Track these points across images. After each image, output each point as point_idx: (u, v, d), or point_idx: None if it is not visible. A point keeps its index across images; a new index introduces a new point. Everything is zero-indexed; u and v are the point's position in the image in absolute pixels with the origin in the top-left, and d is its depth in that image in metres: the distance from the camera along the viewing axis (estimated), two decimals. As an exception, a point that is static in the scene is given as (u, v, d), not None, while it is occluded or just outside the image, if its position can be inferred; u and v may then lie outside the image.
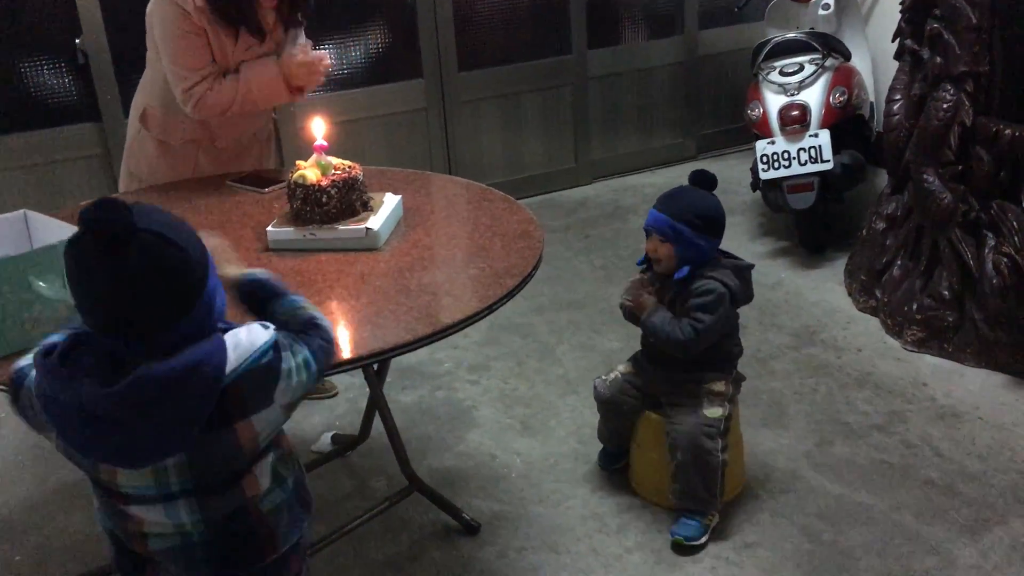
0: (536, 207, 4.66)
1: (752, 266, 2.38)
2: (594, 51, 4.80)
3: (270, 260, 2.04)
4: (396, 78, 4.44)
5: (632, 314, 2.37)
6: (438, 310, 1.78)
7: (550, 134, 4.83)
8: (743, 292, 2.33)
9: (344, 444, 2.74)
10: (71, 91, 3.83)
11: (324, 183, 2.07)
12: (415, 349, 1.69)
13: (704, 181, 2.31)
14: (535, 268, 1.95)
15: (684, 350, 2.23)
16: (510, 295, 1.85)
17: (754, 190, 4.04)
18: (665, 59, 5.01)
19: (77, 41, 3.74)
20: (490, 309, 1.80)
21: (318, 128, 2.13)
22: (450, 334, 1.73)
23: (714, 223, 2.27)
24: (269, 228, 2.10)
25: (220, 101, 2.46)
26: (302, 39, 2.64)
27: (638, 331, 2.52)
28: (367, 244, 2.07)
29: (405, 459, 2.51)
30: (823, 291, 3.59)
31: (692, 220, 2.25)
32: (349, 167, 2.14)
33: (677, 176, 5.00)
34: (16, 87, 3.74)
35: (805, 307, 3.48)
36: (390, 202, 2.21)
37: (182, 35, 2.39)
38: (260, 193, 2.48)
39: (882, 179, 4.04)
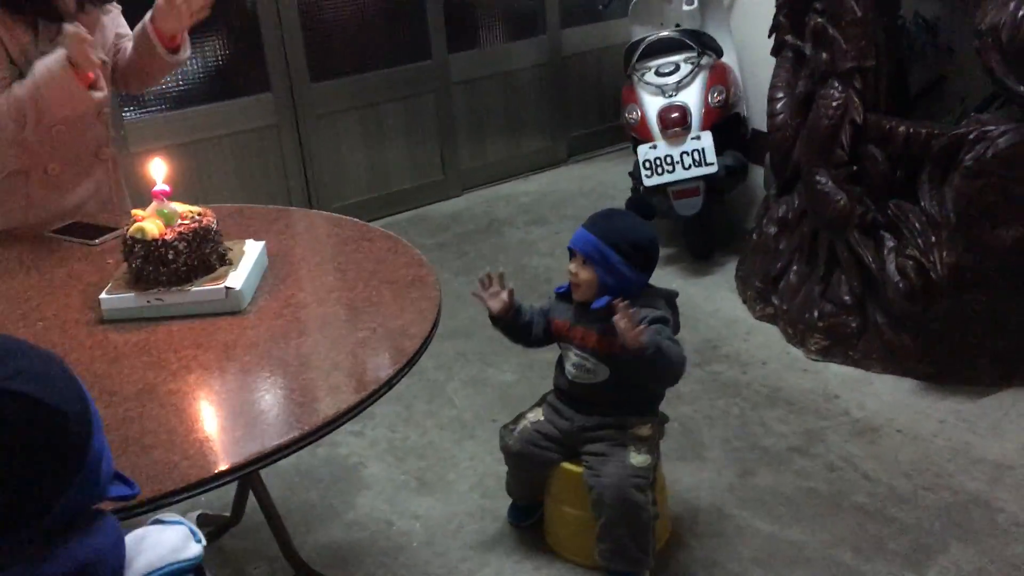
0: (405, 224, 4.35)
1: (677, 293, 2.16)
2: (455, 55, 4.53)
3: (106, 335, 1.65)
4: (241, 93, 4.03)
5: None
6: (326, 390, 1.46)
7: (415, 145, 4.52)
8: (675, 323, 2.11)
9: (215, 525, 2.36)
10: None
11: (169, 236, 1.70)
12: (304, 447, 1.36)
13: (641, 208, 2.08)
14: (435, 324, 1.65)
15: (683, 372, 2.01)
16: (411, 362, 1.54)
17: (634, 194, 3.86)
18: (528, 60, 4.79)
19: None
20: (389, 384, 1.49)
21: (158, 170, 1.75)
22: (346, 421, 1.41)
23: (647, 256, 2.03)
24: (103, 295, 1.71)
25: (11, 107, 2.00)
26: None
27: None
28: (228, 307, 1.71)
29: (287, 540, 2.18)
30: (717, 300, 3.44)
31: (623, 246, 2.00)
32: (199, 215, 1.78)
33: (549, 182, 4.80)
34: None
35: (702, 318, 3.32)
36: (252, 251, 1.85)
37: None
38: (89, 245, 2.06)
39: (757, 176, 3.94)
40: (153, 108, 3.86)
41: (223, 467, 1.27)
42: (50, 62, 2.00)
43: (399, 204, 4.50)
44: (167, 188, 1.74)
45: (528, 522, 2.34)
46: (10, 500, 0.84)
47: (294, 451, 1.34)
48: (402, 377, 1.52)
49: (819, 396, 2.80)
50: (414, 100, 4.45)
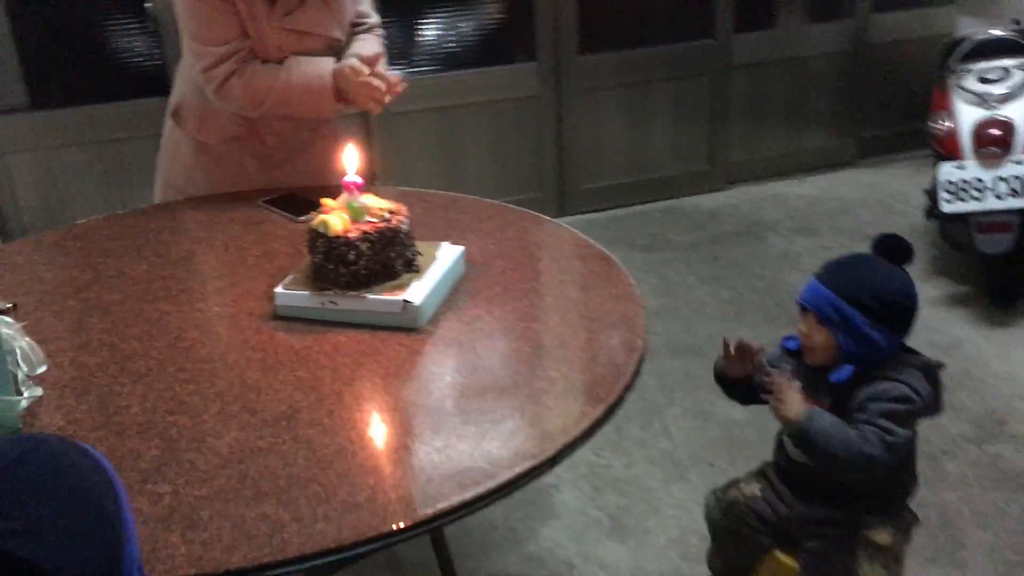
0: (658, 216, 4.03)
1: (942, 365, 1.71)
2: (742, 35, 4.09)
3: (272, 335, 1.51)
4: (506, 60, 3.87)
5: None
6: (477, 455, 1.21)
7: (681, 130, 4.15)
8: (933, 402, 1.66)
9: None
10: (141, 60, 3.45)
11: (353, 235, 1.52)
12: (433, 528, 1.13)
13: (894, 251, 1.65)
14: (627, 391, 1.35)
15: (867, 469, 1.56)
16: (584, 437, 1.26)
17: (928, 217, 3.29)
18: (827, 46, 4.24)
19: (148, 5, 3.33)
20: (552, 461, 1.22)
21: (350, 158, 1.58)
22: (493, 502, 1.16)
23: (900, 313, 1.61)
24: (278, 289, 1.57)
25: (249, 90, 1.94)
26: (374, 45, 2.09)
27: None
28: (404, 322, 1.51)
29: (451, 570, 1.98)
30: (1014, 360, 2.83)
31: (869, 304, 1.60)
32: (390, 213, 1.58)
33: (828, 186, 4.26)
34: (83, 54, 3.39)
35: (990, 382, 2.74)
36: (446, 258, 1.64)
37: (204, 0, 1.89)
38: (293, 221, 1.95)
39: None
40: (419, 69, 3.79)
41: (329, 544, 1.06)
42: (313, 77, 1.95)
43: (656, 192, 4.17)
44: (359, 179, 1.56)
45: (728, 603, 1.99)
46: None
47: (419, 534, 1.11)
48: (570, 455, 1.25)
49: None
50: (688, 81, 4.08)
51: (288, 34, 1.95)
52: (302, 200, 2.04)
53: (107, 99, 3.45)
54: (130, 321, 1.58)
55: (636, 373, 1.39)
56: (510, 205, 2.00)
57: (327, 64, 1.96)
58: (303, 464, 1.20)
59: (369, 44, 2.07)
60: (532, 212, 1.97)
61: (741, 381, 1.79)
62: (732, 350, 1.75)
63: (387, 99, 1.97)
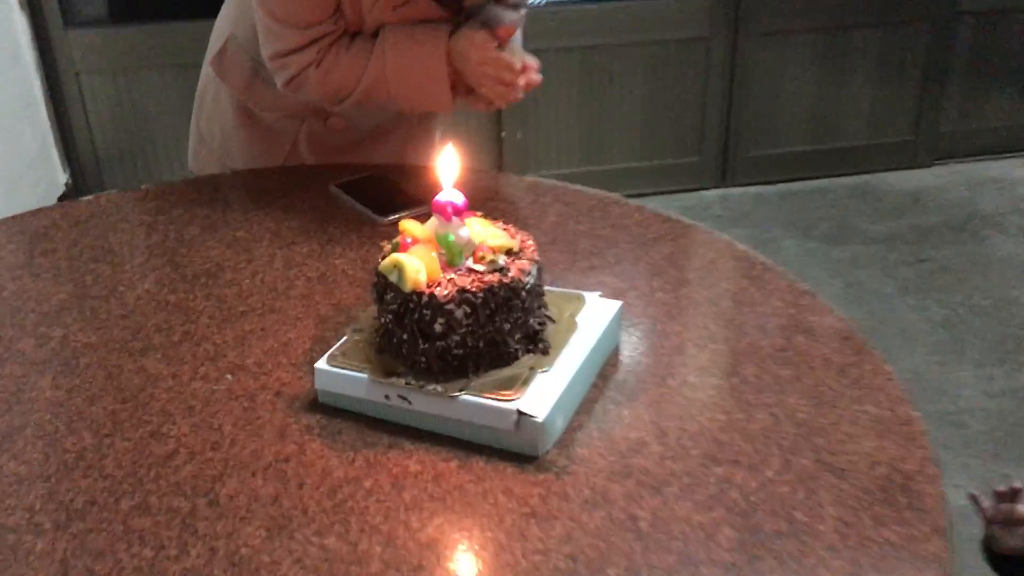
0: (844, 196, 3.27)
1: None
2: (977, -28, 3.24)
3: (304, 442, 0.93)
4: (673, -9, 3.15)
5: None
6: None
7: (885, 90, 3.36)
8: None
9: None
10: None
11: (443, 292, 0.91)
12: None
13: None
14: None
15: None
16: None
17: None
18: (1086, -8, 3.34)
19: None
20: None
21: (446, 166, 0.95)
22: None
23: None
24: (320, 364, 0.98)
25: (329, 86, 1.37)
26: (509, 13, 1.46)
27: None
28: (516, 445, 0.90)
29: None
30: None
31: None
32: (508, 254, 0.96)
33: (1069, 171, 3.39)
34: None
35: None
36: (592, 325, 1.01)
37: None
38: (374, 221, 1.35)
39: None
40: (562, -2, 3.12)
41: None
42: (418, 51, 1.33)
43: (844, 165, 3.41)
44: (459, 199, 0.93)
45: None
46: None
47: None
48: None
49: None
50: (899, 28, 3.27)
51: (392, 9, 1.35)
52: (392, 189, 1.44)
53: (191, 16, 2.94)
54: (97, 388, 1.02)
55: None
56: (688, 221, 1.34)
57: (439, 38, 1.33)
58: None
59: (501, 11, 1.43)
60: (724, 236, 1.30)
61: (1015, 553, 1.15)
62: (989, 510, 1.14)
63: (520, 89, 1.35)
